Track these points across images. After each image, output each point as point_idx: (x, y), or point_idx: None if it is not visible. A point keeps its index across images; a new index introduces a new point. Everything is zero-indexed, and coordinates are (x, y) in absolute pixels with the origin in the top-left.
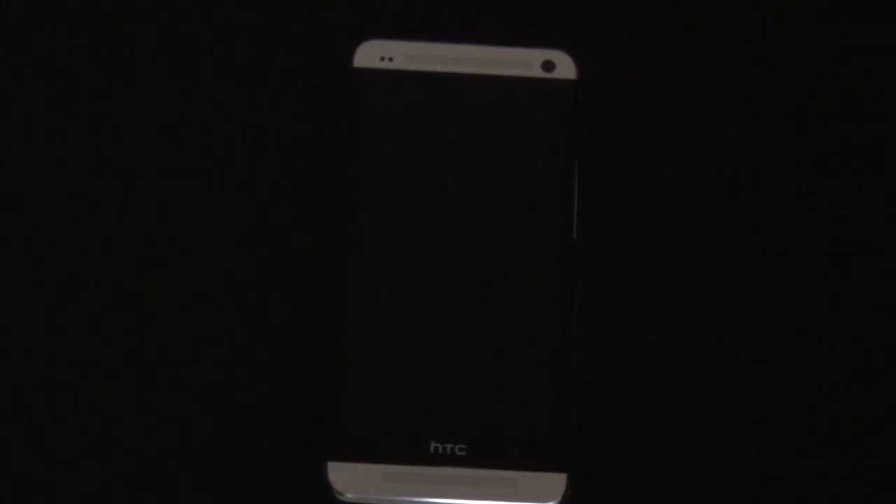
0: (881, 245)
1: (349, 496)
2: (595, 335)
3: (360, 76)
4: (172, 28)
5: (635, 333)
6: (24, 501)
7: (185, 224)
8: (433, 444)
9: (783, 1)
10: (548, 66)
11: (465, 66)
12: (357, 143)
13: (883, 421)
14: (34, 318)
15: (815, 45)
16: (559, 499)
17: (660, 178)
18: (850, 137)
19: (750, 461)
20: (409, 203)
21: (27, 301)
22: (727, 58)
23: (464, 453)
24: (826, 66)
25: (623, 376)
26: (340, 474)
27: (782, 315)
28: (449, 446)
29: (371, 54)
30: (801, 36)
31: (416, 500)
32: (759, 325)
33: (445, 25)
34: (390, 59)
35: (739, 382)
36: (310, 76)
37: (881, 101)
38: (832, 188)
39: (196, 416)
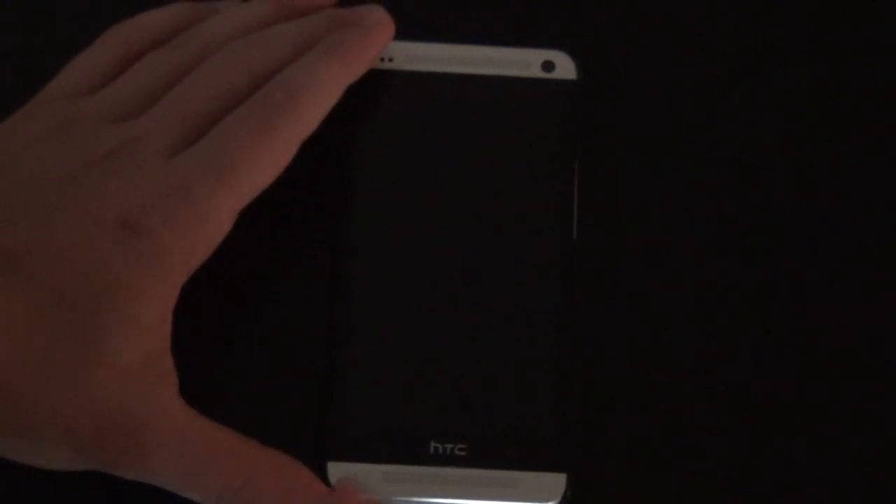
0: (884, 245)
1: None
2: (595, 335)
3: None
4: None
5: (635, 333)
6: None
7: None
8: (433, 444)
9: (785, 1)
10: (548, 66)
11: (464, 67)
12: (356, 143)
13: (886, 421)
14: None
15: (817, 46)
16: (559, 499)
17: (660, 178)
18: (855, 139)
19: (751, 462)
20: (408, 203)
21: None
22: (728, 58)
23: (463, 453)
24: (829, 68)
25: (623, 376)
26: (340, 474)
27: (785, 316)
28: (449, 446)
29: None
30: (803, 37)
31: (416, 499)
32: (762, 326)
33: (445, 26)
34: (390, 60)
35: (741, 383)
36: None
37: (883, 100)
38: (836, 190)
39: None
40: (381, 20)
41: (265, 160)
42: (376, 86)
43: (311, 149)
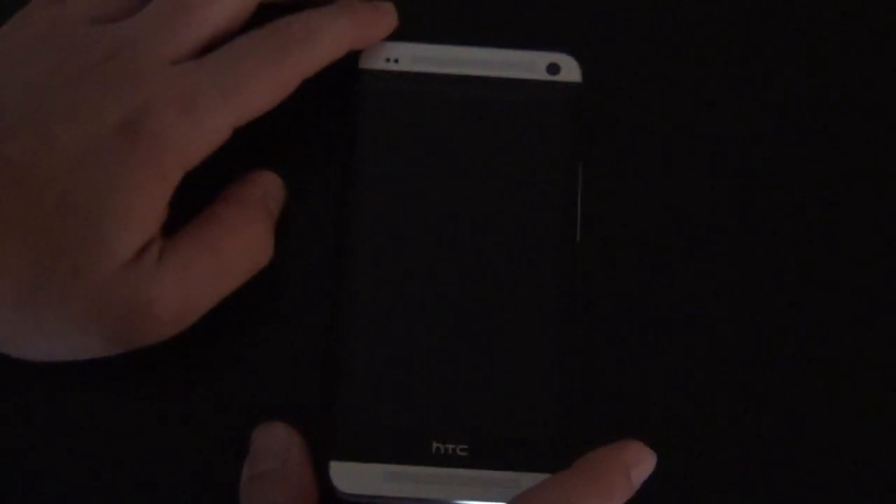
0: (886, 245)
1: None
2: (597, 336)
3: (365, 77)
4: None
5: (637, 335)
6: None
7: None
8: (435, 445)
9: (788, 4)
10: (552, 68)
11: (469, 68)
12: (361, 144)
13: (888, 420)
14: None
15: (817, 49)
16: None
17: (663, 180)
18: (856, 139)
19: (753, 462)
20: (412, 204)
21: None
22: (732, 61)
23: (465, 454)
24: (830, 70)
25: (624, 377)
26: (342, 473)
27: (788, 318)
28: (450, 447)
29: (376, 55)
30: (804, 40)
31: (417, 499)
32: (764, 327)
33: (451, 27)
34: (396, 61)
35: (742, 384)
36: (315, 77)
37: (883, 100)
38: (838, 191)
39: (197, 415)
40: (390, 7)
41: (270, 88)
42: (382, 87)
43: (316, 149)
